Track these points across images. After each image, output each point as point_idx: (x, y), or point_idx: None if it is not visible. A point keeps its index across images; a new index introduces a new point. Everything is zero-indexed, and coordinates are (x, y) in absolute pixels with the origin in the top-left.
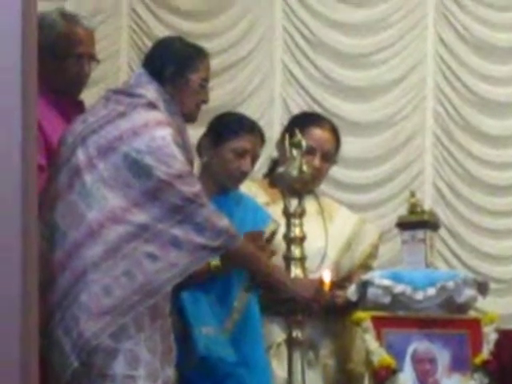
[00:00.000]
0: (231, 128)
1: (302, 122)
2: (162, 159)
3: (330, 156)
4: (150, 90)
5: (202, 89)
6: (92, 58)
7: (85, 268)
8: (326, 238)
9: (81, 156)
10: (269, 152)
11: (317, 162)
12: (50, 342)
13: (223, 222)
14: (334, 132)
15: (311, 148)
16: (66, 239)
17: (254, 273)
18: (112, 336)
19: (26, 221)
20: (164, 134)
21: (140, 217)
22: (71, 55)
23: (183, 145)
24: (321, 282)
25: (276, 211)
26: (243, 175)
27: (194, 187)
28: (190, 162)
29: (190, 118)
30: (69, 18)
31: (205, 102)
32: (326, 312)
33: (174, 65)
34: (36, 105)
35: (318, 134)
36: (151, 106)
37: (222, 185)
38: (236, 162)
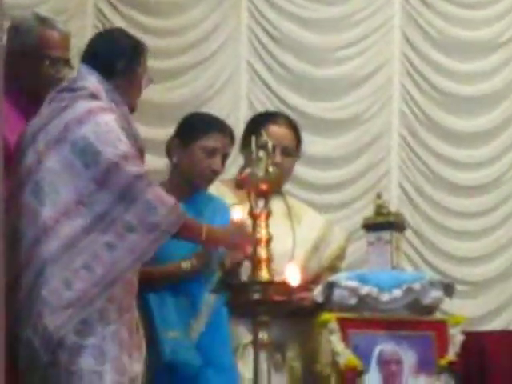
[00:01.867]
0: (201, 127)
1: (258, 121)
2: (108, 142)
3: (290, 151)
4: (91, 81)
5: (144, 80)
6: (67, 62)
7: (43, 264)
8: (293, 239)
9: (31, 155)
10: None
11: (278, 158)
12: (22, 342)
13: (171, 199)
14: (291, 126)
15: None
16: (24, 238)
17: (190, 239)
18: (77, 332)
19: None
20: (107, 119)
21: (93, 208)
22: (47, 58)
23: (131, 132)
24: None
25: (243, 212)
26: (214, 174)
27: (140, 167)
28: (140, 151)
29: (132, 109)
30: (46, 22)
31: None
32: (293, 314)
33: (125, 58)
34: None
35: (274, 130)
36: (92, 96)
37: (193, 185)
38: (206, 161)
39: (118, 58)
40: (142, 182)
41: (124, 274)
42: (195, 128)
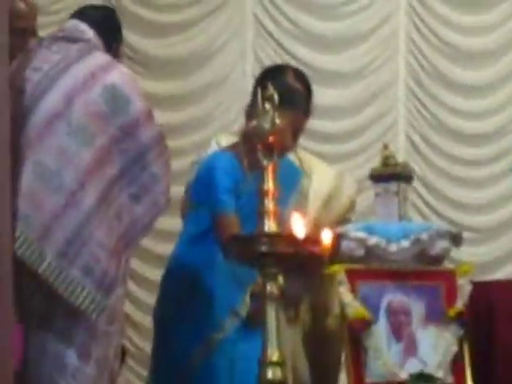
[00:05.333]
0: None
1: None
2: (135, 93)
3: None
4: (93, 37)
5: None
6: (34, 33)
7: (92, 207)
8: None
9: (55, 100)
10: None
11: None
12: (62, 282)
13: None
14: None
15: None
16: (62, 178)
17: None
18: None
19: None
20: (128, 70)
21: (121, 157)
22: (14, 29)
23: None
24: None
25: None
26: None
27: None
28: None
29: None
30: None
31: None
32: (303, 267)
33: (120, 42)
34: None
35: None
36: (96, 47)
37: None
38: None
39: (118, 38)
40: (164, 139)
41: (146, 230)
42: None
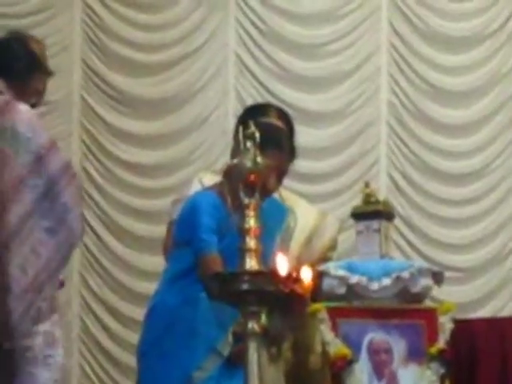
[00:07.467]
0: None
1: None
2: (35, 129)
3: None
4: None
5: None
6: None
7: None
8: None
9: None
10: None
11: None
12: None
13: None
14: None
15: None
16: None
17: None
18: (32, 319)
19: None
20: (26, 107)
21: (29, 193)
22: None
23: None
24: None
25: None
26: None
27: (65, 156)
28: None
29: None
30: None
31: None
32: (286, 305)
33: (20, 63)
34: None
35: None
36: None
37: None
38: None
39: (13, 61)
40: (71, 168)
41: (67, 260)
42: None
